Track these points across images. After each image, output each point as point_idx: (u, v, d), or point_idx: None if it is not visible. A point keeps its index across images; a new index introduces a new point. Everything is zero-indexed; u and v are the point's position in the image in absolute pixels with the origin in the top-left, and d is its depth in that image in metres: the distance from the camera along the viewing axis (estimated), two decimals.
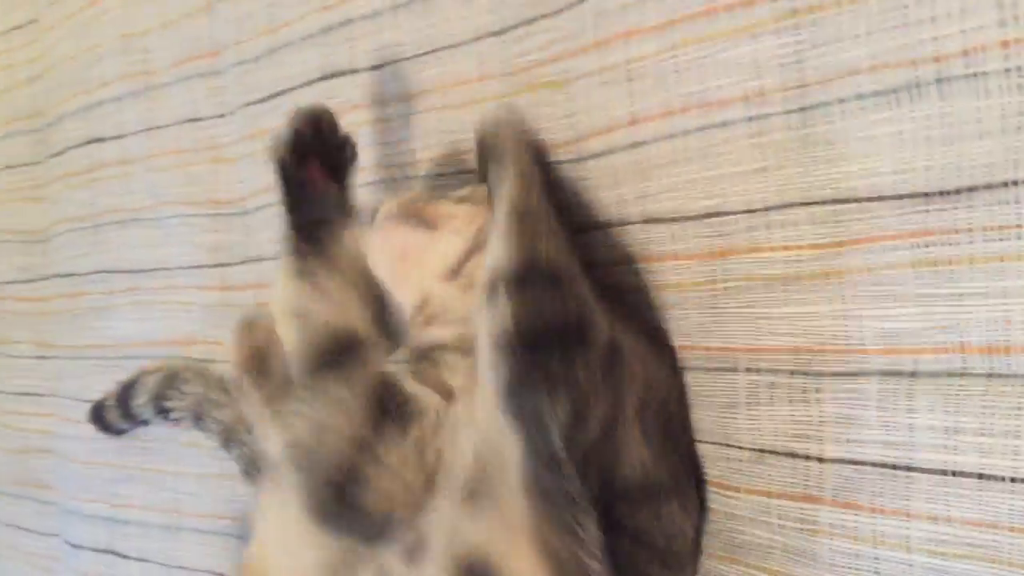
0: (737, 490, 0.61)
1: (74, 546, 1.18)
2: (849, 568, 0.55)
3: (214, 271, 0.99)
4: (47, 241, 1.22)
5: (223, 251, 0.98)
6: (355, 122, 0.82)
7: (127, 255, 1.09)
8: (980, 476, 0.49)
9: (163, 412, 1.00)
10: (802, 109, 0.54)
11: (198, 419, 0.97)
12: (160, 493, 1.07)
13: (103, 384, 1.13)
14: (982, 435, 0.49)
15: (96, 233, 1.12)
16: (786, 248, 0.57)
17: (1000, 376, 0.49)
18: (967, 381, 0.50)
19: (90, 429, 1.14)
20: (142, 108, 1.06)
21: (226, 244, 0.98)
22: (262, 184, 0.93)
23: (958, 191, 0.49)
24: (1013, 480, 0.48)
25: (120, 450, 1.12)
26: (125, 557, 1.11)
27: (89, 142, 1.12)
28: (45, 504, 1.24)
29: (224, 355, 0.98)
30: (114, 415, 1.05)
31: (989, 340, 0.49)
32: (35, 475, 1.26)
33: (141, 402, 1.02)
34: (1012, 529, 0.48)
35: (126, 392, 1.03)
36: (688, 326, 0.63)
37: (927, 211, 0.50)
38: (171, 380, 0.99)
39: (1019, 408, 0.48)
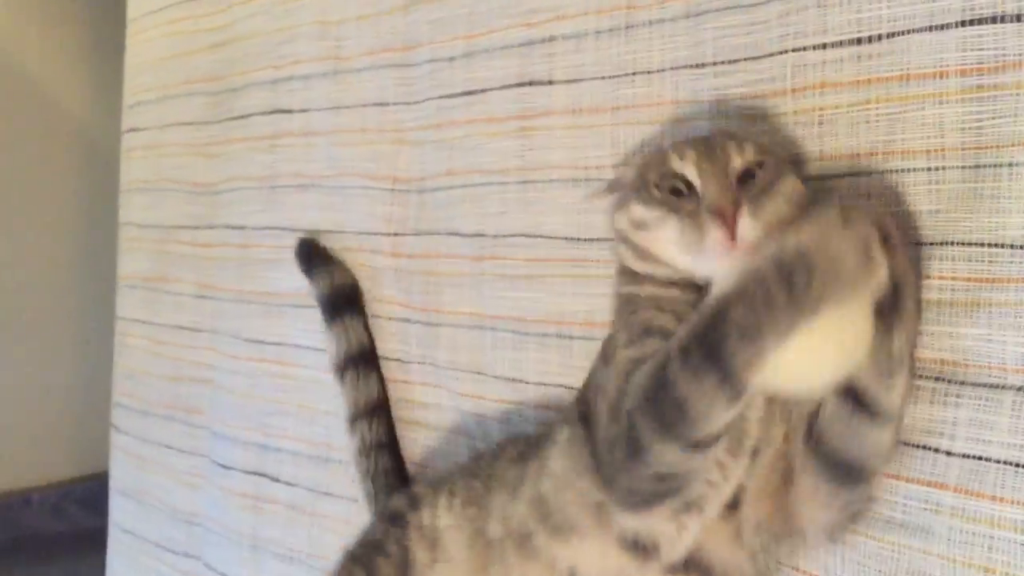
0: None
1: (223, 466, 1.33)
2: (965, 544, 0.68)
3: (387, 239, 1.13)
4: (217, 194, 1.36)
5: (397, 222, 1.12)
6: (547, 126, 0.95)
7: (301, 216, 1.23)
8: None
9: None
10: (976, 167, 0.66)
11: None
12: (313, 428, 1.22)
13: (264, 327, 1.27)
14: None
15: (272, 193, 1.26)
16: (942, 278, 0.69)
17: None
18: None
19: (249, 366, 1.29)
20: (330, 88, 1.19)
21: (401, 216, 1.11)
22: (443, 168, 1.06)
23: None
24: None
25: (276, 387, 1.26)
26: (275, 480, 1.26)
27: (274, 112, 1.26)
28: (195, 427, 1.39)
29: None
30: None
31: None
32: (186, 401, 1.41)
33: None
34: None
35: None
36: None
37: None
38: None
39: None
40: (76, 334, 2.21)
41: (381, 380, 1.13)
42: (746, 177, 0.67)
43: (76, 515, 2.29)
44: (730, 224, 0.64)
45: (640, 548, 0.71)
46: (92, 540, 1.87)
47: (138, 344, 1.51)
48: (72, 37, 2.18)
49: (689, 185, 0.68)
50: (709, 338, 0.59)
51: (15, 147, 2.08)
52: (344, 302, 1.15)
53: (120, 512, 1.54)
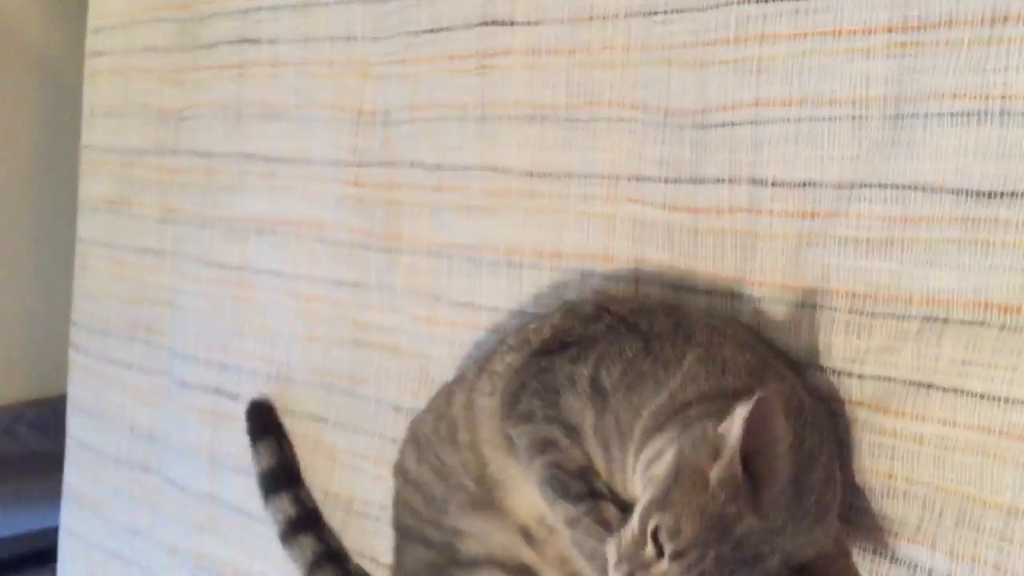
0: None
1: (183, 384, 1.38)
2: (872, 451, 0.76)
3: (351, 169, 1.17)
4: (183, 120, 1.39)
5: (361, 152, 1.16)
6: (507, 65, 1.00)
7: (266, 144, 1.27)
8: (982, 396, 0.70)
9: None
10: (896, 117, 0.74)
11: None
12: (273, 349, 1.27)
13: (227, 251, 1.32)
14: (988, 367, 0.70)
15: (238, 121, 1.30)
16: (860, 217, 0.77)
17: (1009, 329, 0.69)
18: (984, 329, 0.70)
19: (211, 288, 1.34)
20: (298, 20, 1.22)
21: (365, 147, 1.16)
22: (406, 102, 1.11)
23: (1002, 194, 0.69)
24: (1007, 400, 0.69)
25: (238, 309, 1.31)
26: (234, 398, 1.31)
27: (242, 41, 1.29)
28: (156, 347, 1.44)
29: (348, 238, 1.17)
30: None
31: (1007, 301, 0.69)
32: (147, 322, 1.45)
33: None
34: (1002, 434, 0.69)
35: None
36: (773, 268, 0.82)
37: (976, 204, 0.70)
38: None
39: (1020, 352, 0.68)
40: (32, 259, 2.21)
41: (328, 531, 1.18)
42: None
43: (28, 437, 2.31)
44: None
45: None
46: (44, 462, 1.91)
47: (99, 266, 1.54)
48: None
49: None
50: None
51: None
52: (284, 479, 1.21)
53: (78, 428, 1.58)
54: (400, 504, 0.97)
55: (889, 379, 0.76)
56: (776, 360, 0.78)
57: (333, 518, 1.19)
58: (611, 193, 0.94)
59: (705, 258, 0.87)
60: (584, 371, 0.78)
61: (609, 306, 0.87)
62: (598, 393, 0.76)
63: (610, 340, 0.80)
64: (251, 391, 1.29)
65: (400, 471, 0.99)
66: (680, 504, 0.64)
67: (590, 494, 0.75)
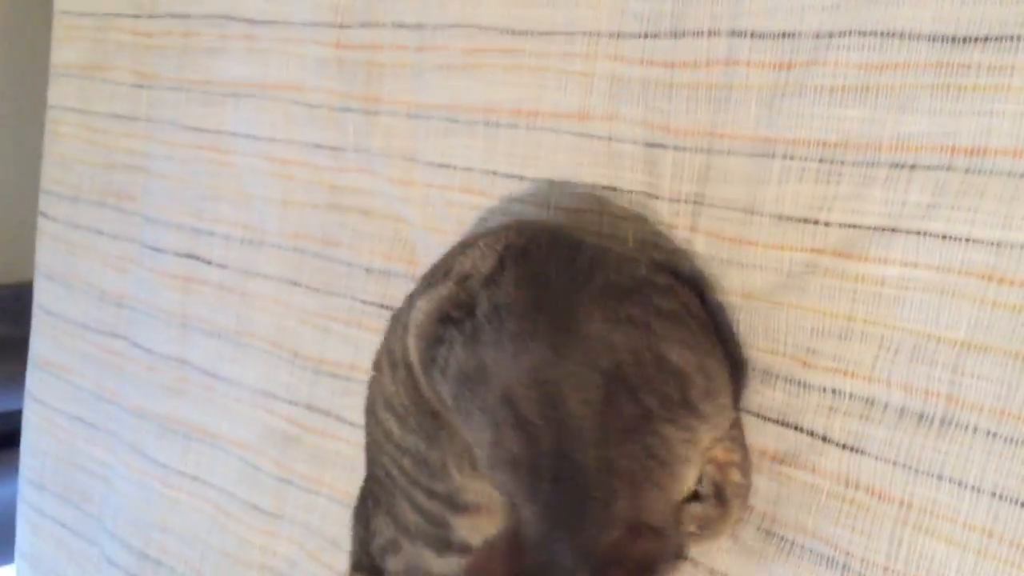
0: (755, 244, 0.84)
1: (154, 249, 1.38)
2: (832, 296, 0.79)
3: (333, 31, 1.16)
4: None
5: (344, 13, 1.15)
6: None
7: (246, 5, 1.25)
8: (944, 237, 0.73)
9: None
10: None
11: None
12: (248, 213, 1.27)
13: (203, 115, 1.31)
14: (951, 209, 0.72)
15: None
16: (836, 64, 0.78)
17: (974, 172, 0.71)
18: (950, 174, 0.72)
19: (186, 152, 1.33)
20: None
21: (347, 7, 1.15)
22: None
23: (976, 38, 0.70)
24: (967, 240, 0.71)
25: (213, 174, 1.31)
26: (207, 262, 1.32)
27: None
28: (127, 213, 1.43)
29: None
30: None
31: (974, 144, 0.71)
32: (119, 188, 1.45)
33: None
34: (960, 272, 0.72)
35: None
36: (746, 120, 0.84)
37: (951, 49, 0.71)
38: None
39: (982, 194, 0.71)
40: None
41: None
42: None
43: None
44: None
45: None
46: (9, 347, 1.90)
47: (70, 132, 1.53)
48: None
49: None
50: None
51: None
52: None
53: (45, 295, 1.58)
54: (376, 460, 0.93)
55: (855, 226, 0.78)
56: None
57: (302, 379, 1.21)
58: (591, 51, 0.95)
59: (678, 112, 0.88)
60: None
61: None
62: None
63: None
64: (224, 256, 1.30)
65: (377, 422, 0.92)
66: None
67: None
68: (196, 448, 1.33)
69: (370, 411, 0.92)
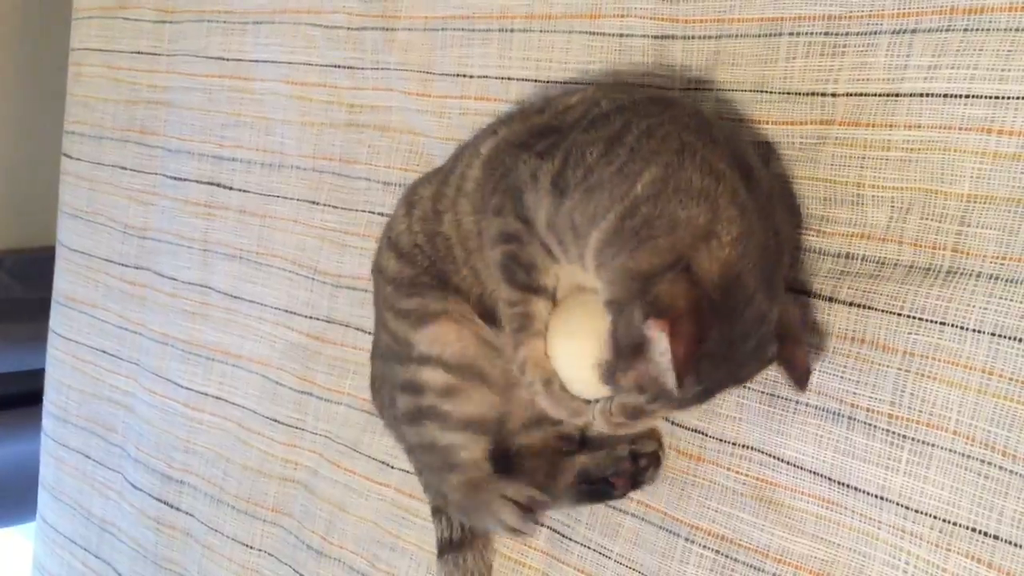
0: (765, 122, 0.87)
1: (176, 179, 1.42)
2: (842, 164, 0.81)
3: None
4: None
5: None
6: None
7: None
8: (945, 96, 0.75)
9: None
10: None
11: None
12: (268, 137, 1.31)
13: (224, 44, 1.35)
14: (951, 69, 0.75)
15: None
16: None
17: (972, 29, 0.74)
18: (949, 35, 0.75)
19: (208, 82, 1.37)
20: None
21: None
22: None
23: None
24: (967, 96, 0.74)
25: (234, 101, 1.34)
26: (228, 188, 1.35)
27: None
28: (150, 147, 1.47)
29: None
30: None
31: (972, 3, 0.74)
32: (141, 123, 1.48)
33: None
34: (961, 128, 0.74)
35: None
36: (752, 4, 0.87)
37: None
38: None
39: (980, 51, 0.73)
40: (16, 109, 2.19)
41: None
42: None
43: (10, 285, 2.32)
44: None
45: None
46: (28, 309, 1.94)
47: (93, 73, 1.56)
48: None
49: None
50: None
51: None
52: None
53: (68, 233, 1.62)
54: (377, 296, 1.03)
55: (861, 94, 0.81)
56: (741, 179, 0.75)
57: (322, 294, 1.24)
58: None
59: (686, 2, 0.91)
60: (548, 167, 0.80)
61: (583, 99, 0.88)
62: (558, 190, 0.79)
63: (575, 137, 0.81)
64: (244, 180, 1.33)
65: (378, 270, 1.03)
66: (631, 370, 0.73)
67: (529, 287, 0.84)
68: (218, 369, 1.36)
69: (375, 269, 1.04)
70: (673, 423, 0.91)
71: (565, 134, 0.83)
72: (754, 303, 0.71)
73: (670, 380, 0.68)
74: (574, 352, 0.82)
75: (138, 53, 1.49)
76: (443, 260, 0.94)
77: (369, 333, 1.16)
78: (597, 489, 0.93)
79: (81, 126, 1.59)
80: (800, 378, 0.74)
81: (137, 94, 1.49)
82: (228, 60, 1.35)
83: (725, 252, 0.70)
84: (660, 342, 0.67)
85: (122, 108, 1.52)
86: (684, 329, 0.67)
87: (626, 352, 0.72)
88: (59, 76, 1.65)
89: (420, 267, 0.96)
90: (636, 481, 0.92)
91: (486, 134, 0.95)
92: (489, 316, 0.92)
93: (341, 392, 1.21)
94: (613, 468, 0.92)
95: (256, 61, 1.31)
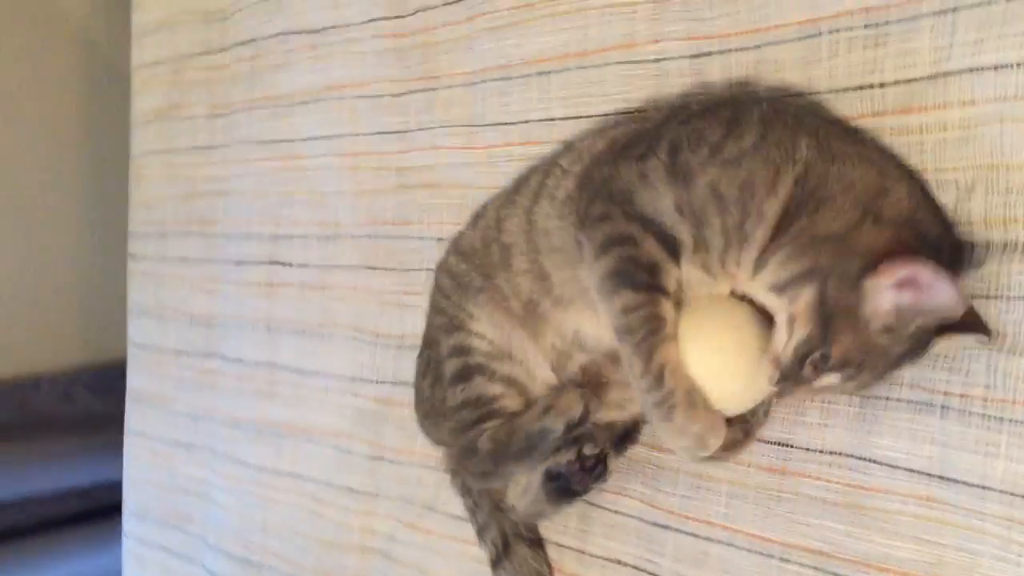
0: None
1: (237, 263, 1.44)
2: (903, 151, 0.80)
3: (388, 22, 1.23)
4: (227, 18, 1.47)
5: (397, 5, 1.23)
6: None
7: (307, 17, 1.34)
8: (995, 67, 0.74)
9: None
10: None
11: None
12: (322, 210, 1.33)
13: (274, 128, 1.39)
14: (999, 39, 0.73)
15: (280, 2, 1.37)
16: None
17: None
18: (992, 7, 0.74)
19: (261, 167, 1.40)
20: None
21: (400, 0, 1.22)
22: None
23: None
24: (1018, 65, 0.72)
25: (287, 181, 1.38)
26: (287, 265, 1.37)
27: None
28: (210, 237, 1.50)
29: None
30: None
31: None
32: (201, 214, 1.52)
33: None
34: (1017, 98, 0.72)
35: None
36: (787, 9, 0.86)
37: None
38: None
39: None
40: (85, 234, 2.27)
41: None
42: None
43: (86, 400, 2.37)
44: None
45: None
46: (103, 422, 1.98)
47: (153, 174, 1.62)
48: None
49: None
50: None
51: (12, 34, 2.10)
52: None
53: (138, 331, 1.65)
54: (435, 290, 1.06)
55: (910, 80, 0.80)
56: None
57: (385, 357, 1.24)
58: None
59: (721, 18, 0.92)
60: (655, 163, 0.81)
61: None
62: (678, 176, 0.79)
63: (675, 129, 0.83)
64: (303, 255, 1.35)
65: (442, 268, 1.06)
66: (842, 341, 0.71)
67: (655, 287, 0.79)
68: (289, 445, 1.36)
69: (436, 267, 1.08)
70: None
71: (658, 134, 0.84)
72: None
73: (951, 303, 0.68)
74: (721, 365, 0.78)
75: (194, 148, 1.54)
76: (494, 267, 0.96)
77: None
78: (563, 486, 0.93)
79: (144, 226, 1.64)
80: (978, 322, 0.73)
81: (195, 187, 1.54)
82: (279, 142, 1.38)
83: (903, 204, 0.73)
84: (910, 283, 0.68)
85: (181, 203, 1.56)
86: (922, 261, 0.68)
87: (834, 321, 0.71)
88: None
89: (473, 265, 0.99)
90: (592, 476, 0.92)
91: (563, 150, 0.98)
92: (531, 319, 0.93)
93: (412, 452, 1.20)
94: (566, 468, 0.92)
95: (305, 139, 1.35)
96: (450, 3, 1.16)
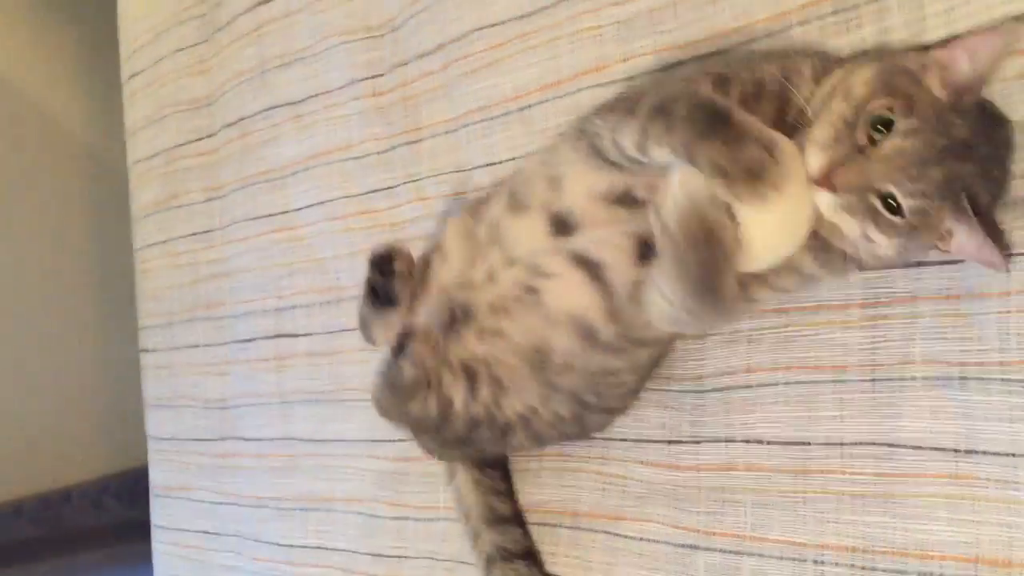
0: None
1: (246, 341, 1.44)
2: None
3: (367, 83, 1.25)
4: (214, 103, 1.50)
5: (375, 65, 1.24)
6: None
7: (290, 90, 1.35)
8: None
9: None
10: None
11: None
12: (323, 276, 1.33)
13: (269, 202, 1.40)
14: (966, 5, 0.73)
15: (263, 79, 1.39)
16: None
17: None
18: None
19: (260, 241, 1.41)
20: None
21: (377, 59, 1.24)
22: (406, 0, 1.19)
23: None
24: None
25: (286, 251, 1.38)
26: (293, 336, 1.37)
27: (256, 6, 1.40)
28: (217, 319, 1.50)
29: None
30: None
31: None
32: (207, 298, 1.53)
33: None
34: None
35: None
36: None
37: None
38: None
39: None
40: (102, 346, 2.28)
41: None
42: None
43: (115, 508, 2.36)
44: None
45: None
46: (132, 530, 1.96)
47: (157, 265, 1.63)
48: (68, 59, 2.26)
49: None
50: None
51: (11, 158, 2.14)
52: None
53: (155, 425, 1.64)
54: None
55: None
56: None
57: None
58: (595, 4, 1.00)
59: (686, 27, 0.92)
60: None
61: None
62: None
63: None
64: (307, 324, 1.35)
65: None
66: (907, 95, 0.68)
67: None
68: (314, 518, 1.33)
69: None
70: (767, 442, 0.85)
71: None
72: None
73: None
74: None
75: (193, 235, 1.55)
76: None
77: None
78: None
79: (153, 319, 1.64)
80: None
81: (198, 272, 1.54)
82: (275, 215, 1.39)
83: None
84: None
85: (187, 290, 1.57)
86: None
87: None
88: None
89: None
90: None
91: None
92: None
93: (436, 508, 1.17)
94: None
95: (300, 209, 1.35)
96: (424, 55, 1.18)
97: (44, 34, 2.12)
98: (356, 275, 1.27)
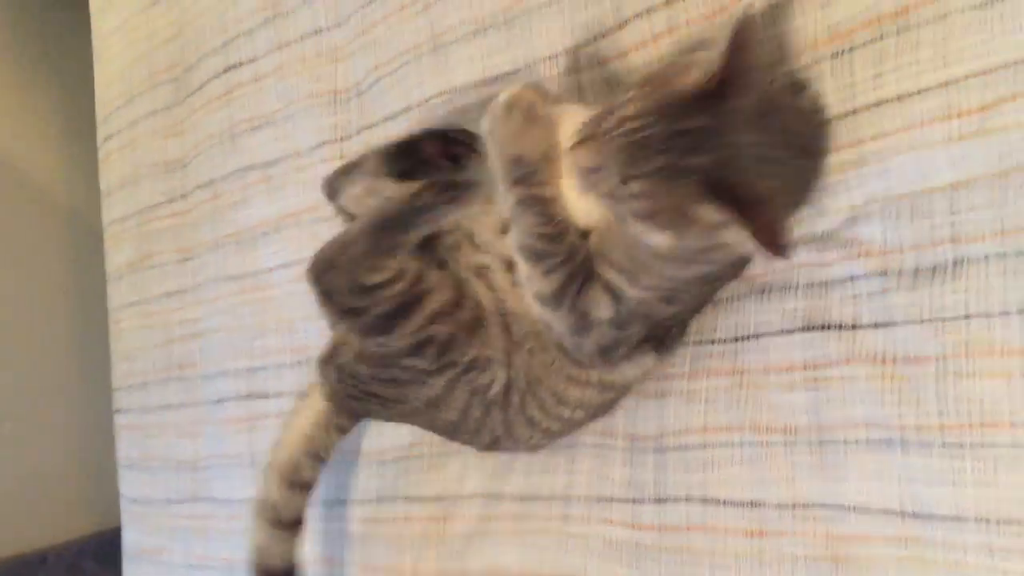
0: None
1: (217, 402, 1.44)
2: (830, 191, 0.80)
3: (335, 145, 1.27)
4: (187, 165, 1.51)
5: (342, 128, 1.26)
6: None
7: (259, 151, 1.37)
8: (898, 98, 0.75)
9: None
10: None
11: None
12: (293, 336, 1.33)
13: (240, 262, 1.40)
14: (895, 71, 0.75)
15: (233, 141, 1.41)
16: None
17: (903, 32, 0.75)
18: (884, 42, 0.76)
19: (231, 302, 1.42)
20: (271, 33, 1.35)
21: (344, 122, 1.26)
22: (371, 65, 1.21)
23: None
24: (919, 92, 0.74)
25: (257, 312, 1.39)
26: (264, 397, 1.37)
27: (226, 71, 1.42)
28: (189, 380, 1.50)
29: None
30: None
31: (897, 7, 0.75)
32: (179, 359, 1.53)
33: None
34: (922, 123, 0.74)
35: None
36: None
37: None
38: None
39: (916, 46, 0.74)
40: (77, 408, 2.27)
41: None
42: None
43: (91, 570, 2.34)
44: None
45: None
46: None
47: (130, 325, 1.63)
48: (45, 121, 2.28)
49: None
50: None
51: None
52: None
53: (128, 485, 1.63)
54: None
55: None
56: None
57: (369, 475, 1.22)
58: None
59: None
60: None
61: None
62: None
63: None
64: (278, 385, 1.35)
65: None
66: (645, 95, 0.72)
67: None
68: None
69: None
70: (724, 503, 0.85)
71: None
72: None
73: None
74: None
75: (166, 295, 1.56)
76: None
77: (421, 501, 1.13)
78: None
79: (127, 379, 1.64)
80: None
81: (171, 333, 1.55)
82: (246, 276, 1.40)
83: None
84: None
85: (160, 350, 1.57)
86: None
87: None
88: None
89: None
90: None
91: None
92: None
93: (402, 570, 1.16)
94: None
95: (271, 269, 1.36)
96: (389, 118, 1.20)
97: (23, 97, 2.14)
98: (326, 335, 1.29)
